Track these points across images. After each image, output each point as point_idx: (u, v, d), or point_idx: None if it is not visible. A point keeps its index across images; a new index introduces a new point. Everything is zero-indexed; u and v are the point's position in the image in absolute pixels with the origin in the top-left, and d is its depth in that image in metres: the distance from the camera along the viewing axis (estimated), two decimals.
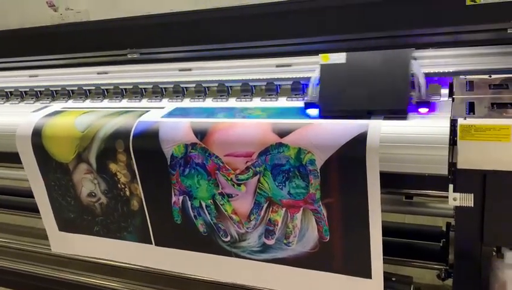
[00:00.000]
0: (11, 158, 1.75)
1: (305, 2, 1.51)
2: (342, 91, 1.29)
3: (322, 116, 1.31)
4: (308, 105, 1.36)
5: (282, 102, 1.53)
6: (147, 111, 1.58)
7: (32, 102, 1.99)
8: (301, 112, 1.37)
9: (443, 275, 1.47)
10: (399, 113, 1.23)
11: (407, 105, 1.23)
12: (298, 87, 1.50)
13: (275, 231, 1.40)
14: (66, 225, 1.78)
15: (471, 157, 1.13)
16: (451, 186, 1.18)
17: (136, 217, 1.60)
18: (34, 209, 1.85)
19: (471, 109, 1.20)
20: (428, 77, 1.35)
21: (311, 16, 1.52)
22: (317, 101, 1.34)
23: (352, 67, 1.31)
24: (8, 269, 2.13)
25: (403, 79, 1.25)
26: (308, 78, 1.41)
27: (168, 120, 1.48)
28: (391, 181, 1.25)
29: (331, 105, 1.30)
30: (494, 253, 1.29)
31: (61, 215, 1.77)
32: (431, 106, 1.25)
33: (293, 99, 1.51)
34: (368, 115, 1.25)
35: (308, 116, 1.34)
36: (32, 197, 1.79)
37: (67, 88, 1.95)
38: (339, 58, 1.32)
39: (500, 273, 1.27)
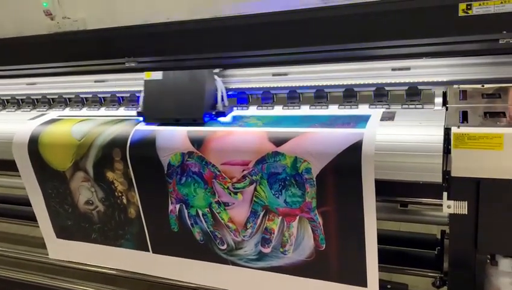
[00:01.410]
0: (8, 166, 1.74)
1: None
2: (158, 103, 1.57)
3: (146, 123, 1.55)
4: (139, 114, 1.58)
5: (278, 110, 1.54)
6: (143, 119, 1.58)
7: (29, 110, 2.00)
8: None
9: (438, 282, 1.48)
10: (198, 121, 1.48)
11: (203, 115, 1.48)
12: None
13: (271, 239, 1.40)
14: (63, 232, 1.78)
15: (465, 165, 1.14)
16: (445, 194, 1.19)
17: (133, 224, 1.60)
18: (29, 218, 1.85)
19: (464, 118, 1.22)
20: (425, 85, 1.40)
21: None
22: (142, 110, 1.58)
23: (166, 83, 1.58)
24: (3, 277, 2.12)
25: (200, 94, 1.52)
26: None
27: (164, 128, 1.49)
28: (386, 189, 1.26)
29: (151, 114, 1.55)
30: (488, 260, 1.30)
31: (59, 222, 1.76)
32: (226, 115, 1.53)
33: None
34: (176, 122, 1.50)
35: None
36: (27, 205, 1.79)
37: (64, 96, 1.96)
38: (157, 75, 1.60)
39: (495, 280, 1.28)
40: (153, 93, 1.59)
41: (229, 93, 1.63)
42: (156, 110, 1.55)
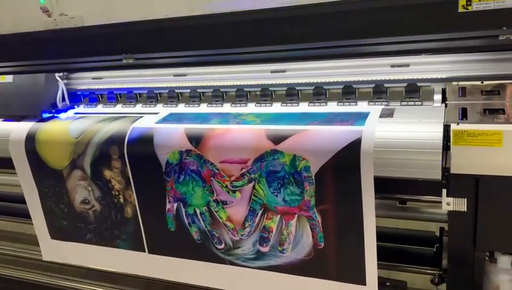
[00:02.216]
0: (4, 163, 1.73)
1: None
2: (8, 102, 1.83)
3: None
4: None
5: (277, 107, 1.54)
6: (141, 117, 1.57)
7: None
8: None
9: (436, 280, 1.48)
10: (37, 117, 1.74)
11: (41, 112, 1.75)
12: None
13: (269, 238, 1.40)
14: (58, 232, 1.76)
15: (464, 162, 1.14)
16: (444, 191, 1.19)
17: (129, 224, 1.59)
18: (25, 215, 1.84)
19: (463, 115, 1.21)
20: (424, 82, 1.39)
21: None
22: None
23: (14, 86, 1.85)
24: (0, 275, 2.11)
25: (38, 94, 1.81)
26: None
27: (162, 126, 1.48)
28: (385, 186, 1.25)
29: (2, 111, 1.82)
30: (487, 257, 1.30)
31: (54, 222, 1.75)
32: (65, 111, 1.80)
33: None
34: (21, 118, 1.75)
35: None
36: (23, 202, 1.78)
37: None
38: (9, 78, 1.86)
39: (494, 277, 1.28)
40: (2, 94, 1.86)
41: None
42: (7, 108, 1.82)
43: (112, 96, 1.86)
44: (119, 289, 1.90)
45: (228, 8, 1.62)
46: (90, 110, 1.85)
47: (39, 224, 1.78)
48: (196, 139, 1.38)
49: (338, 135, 1.23)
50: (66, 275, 1.99)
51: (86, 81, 1.91)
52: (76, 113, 1.78)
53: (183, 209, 1.47)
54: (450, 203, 1.19)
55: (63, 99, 1.85)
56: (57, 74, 1.86)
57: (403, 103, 1.40)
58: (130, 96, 1.80)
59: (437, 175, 1.17)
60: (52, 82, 1.84)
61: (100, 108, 1.85)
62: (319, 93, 1.51)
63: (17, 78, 1.85)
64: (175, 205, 1.48)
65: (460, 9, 1.27)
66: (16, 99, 1.80)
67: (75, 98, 1.93)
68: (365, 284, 1.32)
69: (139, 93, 1.81)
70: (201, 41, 1.71)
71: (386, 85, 1.44)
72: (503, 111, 1.20)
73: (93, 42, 1.76)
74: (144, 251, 1.61)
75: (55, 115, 1.77)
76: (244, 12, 1.59)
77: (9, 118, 1.79)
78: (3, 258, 2.21)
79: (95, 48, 1.73)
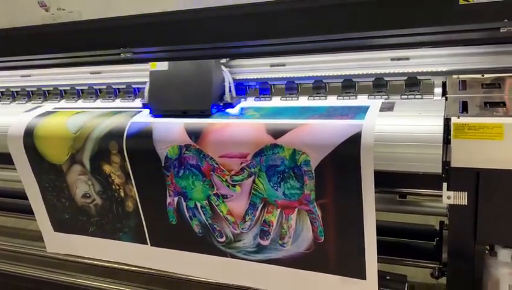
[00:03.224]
0: (4, 159, 1.73)
1: None
2: (165, 94, 1.54)
3: (153, 115, 1.51)
4: (145, 106, 1.56)
5: (277, 102, 1.53)
6: (140, 111, 1.57)
7: (24, 102, 1.98)
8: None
9: (437, 273, 1.48)
10: (205, 113, 1.45)
11: (210, 106, 1.46)
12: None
13: (270, 231, 1.40)
14: (61, 225, 1.77)
15: (465, 155, 1.14)
16: (445, 185, 1.19)
17: (131, 218, 1.60)
18: (26, 211, 1.84)
19: (464, 108, 1.21)
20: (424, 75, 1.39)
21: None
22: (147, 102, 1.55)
23: (172, 74, 1.54)
24: (1, 271, 2.11)
25: (207, 85, 1.49)
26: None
27: (161, 121, 1.47)
28: (385, 180, 1.25)
29: (157, 106, 1.52)
30: (487, 251, 1.30)
31: (56, 216, 1.75)
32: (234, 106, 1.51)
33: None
34: (183, 114, 1.47)
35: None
36: (24, 198, 1.78)
37: (60, 88, 1.94)
38: (163, 65, 1.56)
39: (494, 271, 1.29)
40: (158, 85, 1.55)
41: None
42: (162, 102, 1.52)
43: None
44: (120, 284, 1.91)
45: (225, 1, 1.61)
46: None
47: (42, 217, 1.79)
48: (195, 134, 1.38)
49: (338, 128, 1.23)
50: (67, 270, 2.00)
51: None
52: (243, 109, 1.49)
53: (184, 203, 1.47)
54: (450, 197, 1.18)
55: (229, 90, 1.54)
56: (221, 61, 1.57)
57: (403, 96, 1.40)
58: (128, 90, 1.79)
59: (437, 169, 1.16)
60: (218, 70, 1.54)
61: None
62: (319, 87, 1.51)
63: (175, 65, 1.55)
64: (175, 198, 1.48)
65: (461, 2, 1.27)
66: (175, 91, 1.51)
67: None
68: (365, 278, 1.32)
69: (137, 88, 1.79)
70: (199, 35, 1.71)
71: (386, 78, 1.43)
72: (503, 104, 1.19)
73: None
74: (146, 244, 1.61)
75: (223, 110, 1.49)
76: (241, 6, 1.58)
77: (167, 113, 1.49)
78: (5, 254, 2.21)
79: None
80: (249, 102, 1.57)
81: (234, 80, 1.59)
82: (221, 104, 1.50)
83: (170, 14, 1.71)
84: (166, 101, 1.51)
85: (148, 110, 1.54)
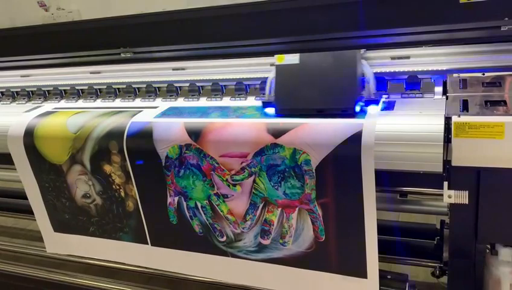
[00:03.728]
0: (4, 159, 1.73)
1: None
2: (295, 91, 1.36)
3: (278, 115, 1.37)
4: (266, 104, 1.41)
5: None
6: (140, 111, 1.57)
7: (24, 102, 1.97)
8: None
9: (437, 272, 1.49)
10: (348, 111, 1.27)
11: (355, 104, 1.28)
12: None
13: (270, 231, 1.40)
14: (61, 225, 1.76)
15: (466, 154, 1.14)
16: (445, 184, 1.18)
17: (131, 217, 1.59)
18: (26, 211, 1.84)
19: (465, 107, 1.20)
20: (424, 74, 1.38)
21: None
22: (273, 100, 1.39)
23: (304, 68, 1.37)
24: (1, 271, 2.11)
25: (351, 79, 1.31)
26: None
27: (161, 120, 1.47)
28: (386, 179, 1.25)
29: (285, 104, 1.36)
30: (488, 250, 1.30)
31: (56, 216, 1.75)
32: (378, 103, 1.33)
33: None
34: (318, 113, 1.30)
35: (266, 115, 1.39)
36: (24, 198, 1.78)
37: (60, 88, 1.94)
38: (293, 59, 1.38)
39: (495, 270, 1.28)
40: (287, 80, 1.38)
41: None
42: (292, 99, 1.35)
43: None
44: (120, 284, 1.91)
45: (227, 0, 1.61)
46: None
47: (41, 218, 1.78)
48: (196, 134, 1.38)
49: (338, 128, 1.23)
50: (68, 270, 2.00)
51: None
52: (388, 104, 1.32)
53: (185, 203, 1.47)
54: (451, 196, 1.18)
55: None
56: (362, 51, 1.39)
57: (403, 95, 1.39)
58: (128, 90, 1.79)
59: (438, 168, 1.16)
60: (359, 63, 1.34)
61: None
62: None
63: (308, 57, 1.37)
64: (176, 198, 1.48)
65: (462, 0, 1.27)
66: (309, 87, 1.33)
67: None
68: (366, 277, 1.32)
69: (137, 88, 1.79)
70: (200, 34, 1.71)
71: (386, 78, 1.43)
72: (504, 103, 1.19)
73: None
74: (147, 244, 1.61)
75: (364, 108, 1.30)
76: (243, 5, 1.58)
77: (296, 113, 1.32)
78: (5, 254, 2.21)
79: None
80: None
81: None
82: (363, 101, 1.31)
83: (171, 14, 1.71)
84: (297, 99, 1.34)
85: (272, 109, 1.38)
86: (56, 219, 1.76)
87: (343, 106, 1.28)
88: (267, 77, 1.54)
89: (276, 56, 1.40)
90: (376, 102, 1.31)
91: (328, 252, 1.34)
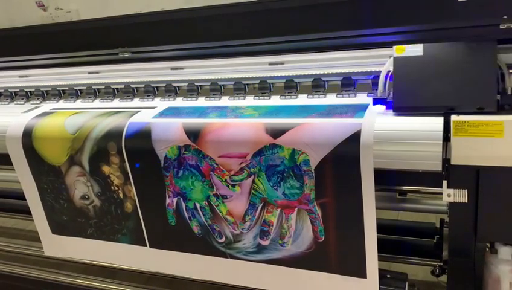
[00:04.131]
0: (2, 160, 1.72)
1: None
2: (419, 86, 1.22)
3: (395, 113, 1.25)
4: (377, 101, 1.29)
5: (275, 100, 1.52)
6: (138, 111, 1.56)
7: (22, 102, 1.97)
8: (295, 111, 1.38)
9: (437, 271, 1.48)
10: (488, 109, 1.15)
11: (496, 100, 1.15)
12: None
13: (269, 231, 1.39)
14: (59, 227, 1.76)
15: (465, 153, 1.14)
16: (445, 183, 1.18)
17: (130, 219, 1.59)
18: (25, 211, 1.84)
19: None
20: None
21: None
22: (389, 97, 1.28)
23: (430, 61, 1.23)
24: (0, 272, 2.11)
25: (489, 72, 1.17)
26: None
27: (160, 121, 1.47)
28: (385, 178, 1.25)
29: (407, 101, 1.23)
30: (487, 249, 1.30)
31: (54, 218, 1.75)
32: None
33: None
34: (448, 111, 1.17)
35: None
36: (24, 199, 1.77)
37: (58, 88, 1.94)
38: (416, 50, 1.24)
39: (494, 268, 1.28)
40: (409, 74, 1.24)
41: None
42: (415, 96, 1.22)
43: None
44: (120, 284, 1.91)
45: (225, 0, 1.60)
46: None
47: (40, 219, 1.78)
48: (194, 134, 1.37)
49: (337, 128, 1.22)
50: (67, 270, 2.00)
51: None
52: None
53: (183, 204, 1.47)
54: (450, 195, 1.18)
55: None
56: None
57: None
58: (126, 90, 1.79)
59: (437, 166, 1.16)
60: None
61: None
62: (318, 85, 1.50)
63: (433, 48, 1.23)
64: (175, 199, 1.47)
65: None
66: (436, 82, 1.20)
67: None
68: (366, 277, 1.32)
69: (136, 87, 1.79)
70: (198, 34, 1.70)
71: None
72: None
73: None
74: (145, 245, 1.61)
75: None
76: (241, 4, 1.57)
77: (419, 112, 1.20)
78: (4, 254, 2.21)
79: None
80: None
81: None
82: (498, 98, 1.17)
83: (169, 13, 1.70)
84: (422, 96, 1.21)
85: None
86: (54, 221, 1.76)
87: (483, 103, 1.14)
88: (266, 76, 1.55)
89: (394, 47, 1.26)
90: None
91: (328, 253, 1.34)
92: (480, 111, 1.14)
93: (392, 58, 1.28)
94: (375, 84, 1.39)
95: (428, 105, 1.21)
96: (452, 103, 1.18)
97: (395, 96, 1.25)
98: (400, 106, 1.24)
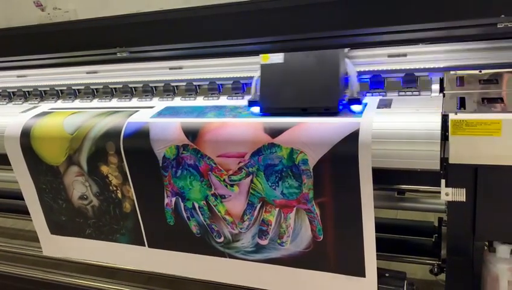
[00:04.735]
0: (1, 160, 1.72)
1: None
2: (279, 90, 1.37)
3: (263, 113, 1.37)
4: (252, 103, 1.41)
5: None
6: (137, 111, 1.56)
7: (20, 102, 1.97)
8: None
9: (436, 270, 1.49)
10: (331, 110, 1.29)
11: (338, 103, 1.29)
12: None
13: (268, 231, 1.39)
14: (57, 228, 1.76)
15: (463, 152, 1.13)
16: (443, 182, 1.18)
17: (128, 219, 1.59)
18: (24, 212, 1.83)
19: (462, 104, 1.20)
20: (421, 71, 1.38)
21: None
22: (258, 99, 1.40)
23: (289, 67, 1.38)
24: None
25: (334, 78, 1.32)
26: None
27: (158, 120, 1.47)
28: (383, 177, 1.25)
29: (270, 103, 1.36)
30: (486, 247, 1.30)
31: (53, 218, 1.75)
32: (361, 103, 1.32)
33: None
34: (302, 112, 1.31)
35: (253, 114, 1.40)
36: (22, 199, 1.77)
37: (56, 88, 1.93)
38: (278, 58, 1.39)
39: (492, 267, 1.28)
40: (273, 79, 1.38)
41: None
42: (276, 98, 1.36)
43: None
44: (119, 284, 1.91)
45: None
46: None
47: (38, 220, 1.78)
48: (193, 134, 1.37)
49: (335, 127, 1.22)
50: (66, 270, 2.00)
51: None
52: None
53: (182, 204, 1.47)
54: (448, 194, 1.18)
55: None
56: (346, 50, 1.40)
57: (400, 93, 1.39)
58: (125, 90, 1.79)
59: (435, 165, 1.16)
60: (342, 61, 1.34)
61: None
62: None
63: (292, 57, 1.37)
64: (173, 199, 1.47)
65: None
66: (292, 86, 1.34)
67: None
68: (364, 276, 1.32)
69: (134, 87, 1.79)
70: (196, 33, 1.70)
71: (383, 75, 1.43)
72: (501, 100, 1.19)
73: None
74: (144, 245, 1.61)
75: (348, 106, 1.31)
76: (240, 4, 1.57)
77: (281, 112, 1.33)
78: (3, 254, 2.21)
79: None
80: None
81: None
82: (346, 100, 1.32)
83: (167, 13, 1.70)
84: (282, 98, 1.35)
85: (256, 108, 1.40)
86: (53, 221, 1.76)
87: (326, 104, 1.29)
88: None
89: (261, 55, 1.42)
90: (359, 102, 1.31)
91: (326, 252, 1.34)
92: (327, 112, 1.29)
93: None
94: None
95: (287, 106, 1.35)
96: (305, 104, 1.32)
97: (261, 98, 1.39)
98: (267, 106, 1.37)
